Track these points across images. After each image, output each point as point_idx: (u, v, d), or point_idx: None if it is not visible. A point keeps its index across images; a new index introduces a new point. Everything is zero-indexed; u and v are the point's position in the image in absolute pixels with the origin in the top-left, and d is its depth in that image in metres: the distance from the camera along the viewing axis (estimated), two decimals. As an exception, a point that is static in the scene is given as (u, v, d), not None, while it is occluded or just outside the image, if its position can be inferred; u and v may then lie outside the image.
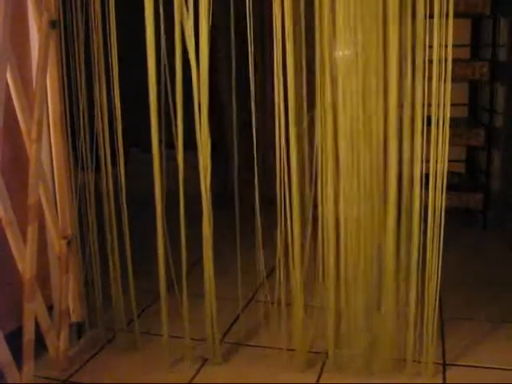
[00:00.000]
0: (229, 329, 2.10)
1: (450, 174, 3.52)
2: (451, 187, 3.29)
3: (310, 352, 1.89)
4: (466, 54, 3.54)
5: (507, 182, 3.39)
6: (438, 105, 1.61)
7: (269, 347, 1.96)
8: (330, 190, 1.72)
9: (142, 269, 2.00)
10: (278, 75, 1.67)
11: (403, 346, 1.80)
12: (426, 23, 1.57)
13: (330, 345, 1.83)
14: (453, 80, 3.31)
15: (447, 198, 3.15)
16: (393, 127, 1.64)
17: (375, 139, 1.66)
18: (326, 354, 1.86)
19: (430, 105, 1.64)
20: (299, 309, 1.82)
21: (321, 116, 1.69)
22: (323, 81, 1.66)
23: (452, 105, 3.57)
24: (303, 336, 1.85)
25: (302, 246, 1.80)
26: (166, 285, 1.90)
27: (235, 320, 2.13)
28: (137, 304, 2.00)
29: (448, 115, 1.61)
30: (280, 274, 1.81)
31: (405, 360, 1.81)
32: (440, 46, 1.59)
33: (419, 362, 1.80)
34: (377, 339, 1.80)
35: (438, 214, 1.66)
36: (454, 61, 3.17)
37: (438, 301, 1.72)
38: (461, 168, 3.67)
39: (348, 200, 1.70)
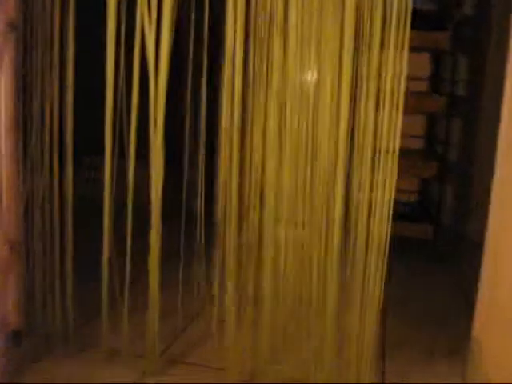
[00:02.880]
0: (170, 344, 2.09)
1: (402, 204, 3.58)
2: (402, 217, 3.36)
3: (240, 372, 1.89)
4: (425, 87, 3.62)
5: (457, 216, 3.46)
6: (389, 135, 1.63)
7: (205, 365, 1.95)
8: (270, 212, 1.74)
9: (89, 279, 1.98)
10: (226, 98, 1.69)
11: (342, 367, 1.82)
12: (381, 54, 1.60)
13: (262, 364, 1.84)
14: (411, 112, 3.42)
15: (397, 228, 3.23)
16: (342, 154, 1.66)
17: (322, 165, 1.68)
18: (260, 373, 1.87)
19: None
20: (231, 327, 1.83)
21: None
22: (269, 105, 1.68)
23: (409, 136, 3.67)
24: (235, 354, 1.85)
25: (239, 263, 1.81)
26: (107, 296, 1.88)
27: (177, 335, 2.12)
28: (79, 314, 1.97)
29: (397, 145, 1.63)
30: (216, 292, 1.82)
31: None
32: (394, 77, 1.62)
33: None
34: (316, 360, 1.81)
35: (382, 242, 1.68)
36: (413, 93, 3.28)
37: (377, 327, 1.74)
38: (413, 199, 3.73)
39: (290, 222, 1.72)
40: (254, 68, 1.69)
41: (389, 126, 1.62)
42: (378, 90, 1.62)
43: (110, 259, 1.85)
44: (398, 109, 1.61)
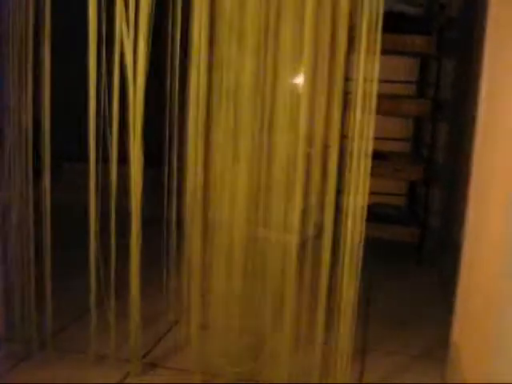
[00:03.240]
0: (151, 349, 2.09)
1: (389, 207, 3.59)
2: (388, 220, 3.37)
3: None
4: (410, 90, 3.64)
5: (445, 219, 3.46)
6: (362, 138, 1.64)
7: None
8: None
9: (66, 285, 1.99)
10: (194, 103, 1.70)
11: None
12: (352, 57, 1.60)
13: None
14: (397, 115, 3.42)
15: (381, 230, 3.24)
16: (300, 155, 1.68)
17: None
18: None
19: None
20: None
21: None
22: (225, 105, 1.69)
23: (396, 139, 3.67)
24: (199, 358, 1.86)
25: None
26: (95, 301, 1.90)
27: (158, 340, 2.13)
28: (59, 319, 1.98)
29: (370, 149, 1.63)
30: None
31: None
32: (371, 80, 1.63)
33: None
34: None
35: (355, 245, 1.68)
36: (399, 97, 3.29)
37: (353, 332, 1.75)
38: (401, 201, 3.74)
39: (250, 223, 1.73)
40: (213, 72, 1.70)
41: (361, 130, 1.62)
42: (346, 93, 1.63)
43: (96, 263, 1.85)
44: (370, 112, 1.61)
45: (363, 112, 1.61)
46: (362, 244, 1.69)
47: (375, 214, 3.32)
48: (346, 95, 1.63)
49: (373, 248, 3.19)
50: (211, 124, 1.73)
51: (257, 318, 1.80)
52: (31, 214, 1.89)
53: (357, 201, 1.65)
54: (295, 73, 1.64)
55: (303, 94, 1.63)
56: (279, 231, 1.74)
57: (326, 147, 1.70)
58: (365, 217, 1.67)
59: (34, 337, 1.98)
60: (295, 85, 1.66)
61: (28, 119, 1.86)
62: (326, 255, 1.69)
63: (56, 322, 2.00)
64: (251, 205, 1.74)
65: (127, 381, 1.87)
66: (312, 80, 1.62)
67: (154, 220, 2.00)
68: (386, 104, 3.16)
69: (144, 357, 1.99)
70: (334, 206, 1.67)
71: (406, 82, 3.61)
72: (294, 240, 1.72)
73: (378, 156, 3.22)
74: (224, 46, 1.68)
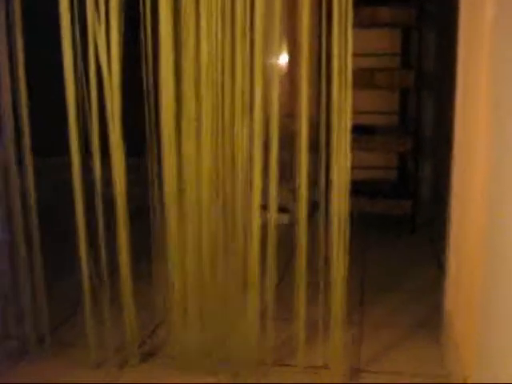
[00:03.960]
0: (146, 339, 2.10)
1: (381, 180, 3.59)
2: (380, 194, 3.37)
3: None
4: (395, 63, 3.63)
5: (436, 188, 3.47)
6: (340, 112, 1.63)
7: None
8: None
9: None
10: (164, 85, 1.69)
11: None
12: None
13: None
14: (380, 88, 3.41)
15: (375, 204, 3.24)
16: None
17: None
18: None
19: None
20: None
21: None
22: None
23: (382, 113, 3.67)
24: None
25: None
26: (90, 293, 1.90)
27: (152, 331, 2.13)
28: (54, 314, 1.99)
29: (349, 123, 1.63)
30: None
31: (315, 367, 1.84)
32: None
33: (329, 369, 1.82)
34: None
35: (342, 218, 1.68)
36: (383, 70, 3.28)
37: (345, 305, 1.75)
38: (393, 175, 3.74)
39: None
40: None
41: (338, 104, 1.62)
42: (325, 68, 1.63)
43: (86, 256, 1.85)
44: (346, 86, 1.61)
45: (340, 86, 1.61)
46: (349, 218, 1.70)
47: (367, 189, 3.33)
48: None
49: (367, 221, 3.24)
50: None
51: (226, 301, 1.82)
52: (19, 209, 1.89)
53: (341, 175, 1.65)
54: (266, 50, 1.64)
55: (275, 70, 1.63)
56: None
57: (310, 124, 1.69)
58: (349, 191, 1.68)
59: (30, 333, 1.98)
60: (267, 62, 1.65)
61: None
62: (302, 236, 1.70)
63: (51, 317, 2.00)
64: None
65: (125, 371, 1.88)
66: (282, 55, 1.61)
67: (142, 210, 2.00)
68: (369, 77, 3.15)
69: (140, 347, 1.99)
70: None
71: (390, 54, 3.59)
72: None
73: (366, 130, 3.22)
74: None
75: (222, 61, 1.66)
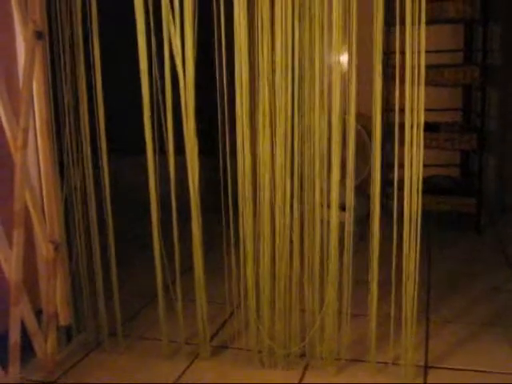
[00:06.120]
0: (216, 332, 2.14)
1: (444, 178, 3.55)
2: (444, 191, 3.34)
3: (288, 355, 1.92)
4: (459, 59, 3.57)
5: (501, 186, 3.41)
6: (412, 109, 1.63)
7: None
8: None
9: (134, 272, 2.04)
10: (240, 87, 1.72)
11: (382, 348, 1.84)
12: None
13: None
14: (445, 85, 3.37)
15: (439, 202, 3.21)
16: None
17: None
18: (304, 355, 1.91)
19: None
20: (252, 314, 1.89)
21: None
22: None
23: (445, 110, 3.63)
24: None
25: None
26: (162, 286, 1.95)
27: (222, 324, 2.17)
28: (126, 307, 2.04)
29: (422, 120, 1.63)
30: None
31: (386, 363, 1.85)
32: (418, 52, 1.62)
33: (399, 365, 1.83)
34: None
35: (414, 217, 1.68)
36: (446, 66, 3.24)
37: (416, 303, 1.75)
38: (455, 172, 3.69)
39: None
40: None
41: (411, 101, 1.62)
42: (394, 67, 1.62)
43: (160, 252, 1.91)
44: (419, 83, 1.60)
45: (412, 84, 1.60)
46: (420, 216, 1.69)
47: (431, 187, 3.30)
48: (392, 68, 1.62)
49: (431, 219, 3.21)
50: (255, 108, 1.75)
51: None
52: (94, 207, 1.96)
53: (412, 173, 1.65)
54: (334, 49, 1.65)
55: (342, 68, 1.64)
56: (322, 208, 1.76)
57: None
58: (421, 189, 1.67)
59: (103, 326, 2.05)
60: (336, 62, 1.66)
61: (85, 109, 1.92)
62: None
63: (124, 310, 2.07)
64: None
65: (196, 363, 1.93)
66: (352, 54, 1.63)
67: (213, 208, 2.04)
68: (433, 74, 3.13)
69: (211, 339, 2.03)
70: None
71: (453, 50, 3.54)
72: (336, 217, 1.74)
73: (429, 127, 3.19)
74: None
75: (300, 59, 1.68)
